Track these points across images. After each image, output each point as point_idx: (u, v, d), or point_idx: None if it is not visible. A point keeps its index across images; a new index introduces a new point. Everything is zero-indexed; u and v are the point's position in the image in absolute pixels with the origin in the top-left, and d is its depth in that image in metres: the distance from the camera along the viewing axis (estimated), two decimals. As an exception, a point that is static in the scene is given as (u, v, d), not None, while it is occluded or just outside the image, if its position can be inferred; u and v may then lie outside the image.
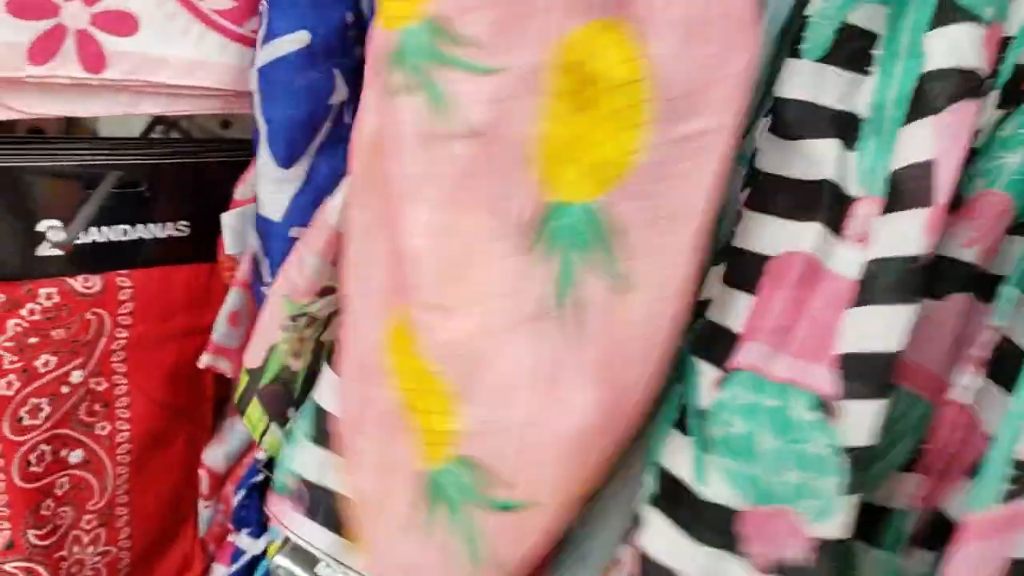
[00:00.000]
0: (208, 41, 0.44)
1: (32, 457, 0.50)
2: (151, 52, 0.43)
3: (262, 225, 0.45)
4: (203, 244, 0.55)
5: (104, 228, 0.51)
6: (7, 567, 0.51)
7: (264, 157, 0.43)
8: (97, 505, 0.55)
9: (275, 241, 0.44)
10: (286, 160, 0.43)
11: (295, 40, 0.42)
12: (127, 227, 0.52)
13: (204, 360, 0.52)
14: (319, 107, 0.43)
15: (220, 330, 0.51)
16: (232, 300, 0.51)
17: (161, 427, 0.56)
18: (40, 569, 0.52)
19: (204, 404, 0.58)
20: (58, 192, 0.49)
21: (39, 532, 0.52)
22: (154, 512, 0.58)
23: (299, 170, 0.43)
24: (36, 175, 0.48)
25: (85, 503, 0.54)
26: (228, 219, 0.51)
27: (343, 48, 0.43)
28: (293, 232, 0.43)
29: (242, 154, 0.53)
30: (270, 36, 0.42)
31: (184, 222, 0.54)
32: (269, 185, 0.43)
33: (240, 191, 0.52)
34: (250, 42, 0.46)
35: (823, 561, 0.30)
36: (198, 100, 0.46)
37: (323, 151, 0.44)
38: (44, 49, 0.39)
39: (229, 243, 0.53)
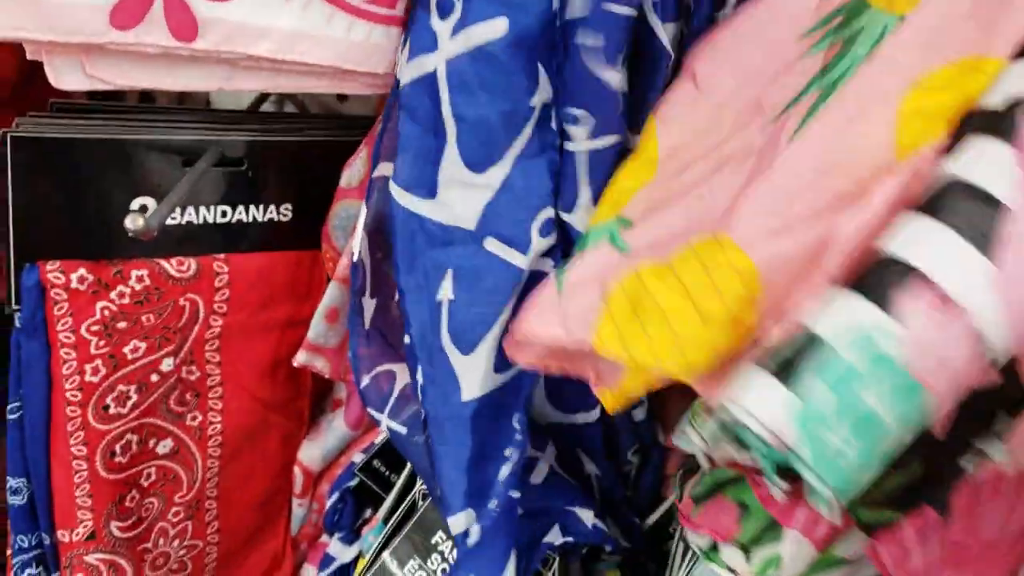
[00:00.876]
0: (313, 11, 0.39)
1: (118, 447, 0.48)
2: (249, 21, 0.38)
3: (439, 231, 0.38)
4: (307, 230, 0.50)
5: (202, 208, 0.47)
6: (88, 559, 0.48)
7: (451, 158, 0.37)
8: (185, 498, 0.52)
9: (462, 247, 0.37)
10: (478, 164, 0.37)
11: (491, 28, 0.35)
12: (226, 208, 0.48)
13: (299, 358, 0.47)
14: (518, 107, 0.36)
15: (316, 328, 0.47)
16: (331, 295, 0.47)
17: (255, 421, 0.53)
18: (122, 562, 0.50)
19: (301, 399, 0.55)
20: (154, 167, 0.45)
21: (122, 524, 0.49)
22: (245, 507, 0.55)
23: (493, 176, 0.37)
24: (132, 148, 0.45)
25: (172, 495, 0.52)
26: (339, 210, 0.47)
27: (548, 41, 0.36)
28: (488, 244, 0.36)
29: (355, 133, 0.48)
30: (463, 23, 0.36)
31: (287, 205, 0.50)
32: (457, 189, 0.37)
33: (346, 178, 0.47)
34: (366, 15, 0.41)
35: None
36: (302, 78, 0.41)
37: (523, 158, 0.37)
38: (129, 13, 0.35)
39: (336, 235, 0.48)
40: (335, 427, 0.56)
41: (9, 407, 0.46)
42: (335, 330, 0.47)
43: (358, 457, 0.55)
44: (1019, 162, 0.25)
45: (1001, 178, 0.25)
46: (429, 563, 0.46)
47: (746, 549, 0.35)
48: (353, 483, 0.54)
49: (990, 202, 0.25)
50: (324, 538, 0.57)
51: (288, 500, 0.57)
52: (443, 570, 0.46)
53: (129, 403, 0.47)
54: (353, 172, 0.46)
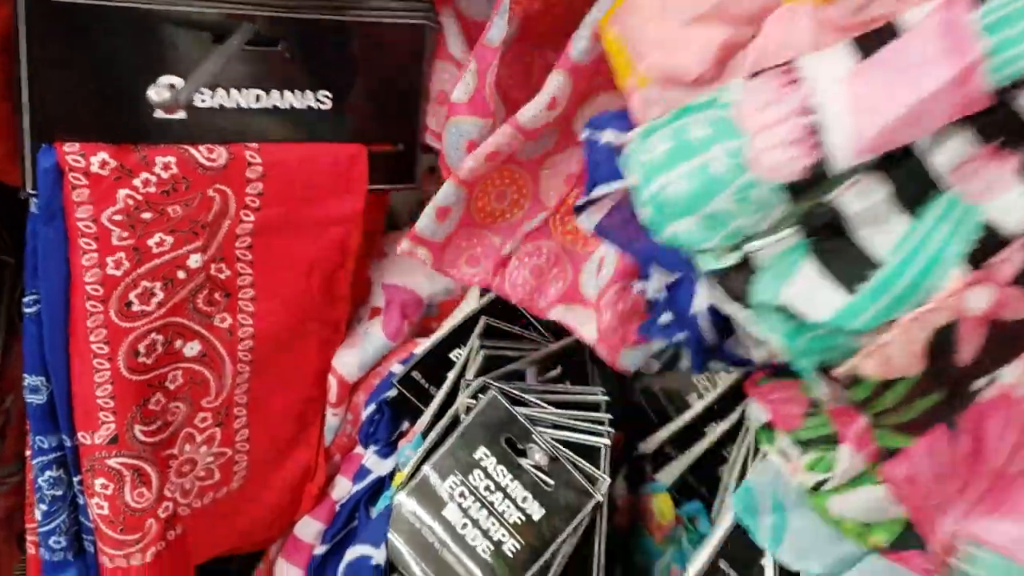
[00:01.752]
0: None
1: (142, 347, 0.44)
2: None
3: None
4: (347, 120, 0.46)
5: (233, 91, 0.43)
6: (111, 463, 0.46)
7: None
8: (213, 404, 0.49)
9: None
10: None
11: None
12: (260, 92, 0.44)
13: (403, 246, 0.43)
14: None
15: (425, 222, 0.43)
16: (445, 194, 0.42)
17: (289, 325, 0.49)
18: (146, 467, 0.47)
19: (338, 304, 0.51)
20: (181, 43, 0.41)
21: (147, 428, 0.46)
22: (276, 416, 0.52)
23: None
24: (158, 19, 0.40)
25: (200, 400, 0.49)
26: (450, 128, 0.42)
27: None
28: None
29: (410, 14, 0.43)
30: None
31: (326, 92, 0.45)
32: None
33: (457, 92, 0.42)
34: None
35: None
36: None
37: None
38: None
39: (451, 156, 0.43)
40: (372, 336, 0.53)
41: (25, 299, 0.43)
42: (443, 227, 0.43)
43: (397, 368, 0.52)
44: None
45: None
46: (471, 479, 0.43)
47: (802, 444, 0.33)
48: (391, 395, 0.51)
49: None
50: (359, 449, 0.54)
51: (322, 410, 0.54)
52: (486, 487, 0.43)
53: (154, 301, 0.44)
54: (463, 86, 0.41)
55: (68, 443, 0.46)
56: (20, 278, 0.54)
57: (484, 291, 0.51)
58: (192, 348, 0.47)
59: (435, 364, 0.50)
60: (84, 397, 0.44)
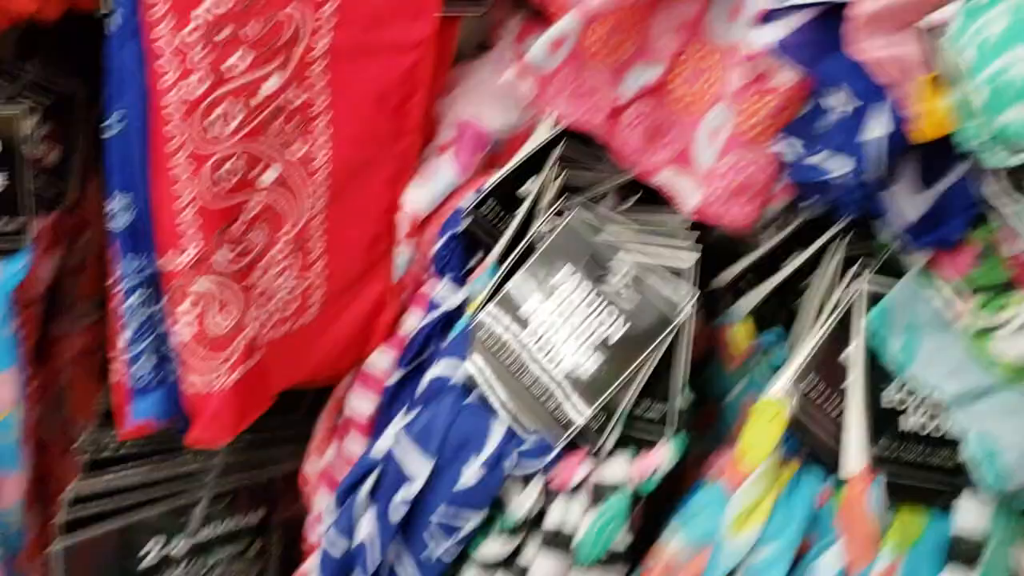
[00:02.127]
0: None
1: (222, 170, 0.45)
2: None
3: None
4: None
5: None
6: (194, 286, 0.47)
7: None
8: (289, 233, 0.50)
9: None
10: None
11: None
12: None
13: (507, 76, 0.44)
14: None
15: (538, 51, 0.44)
16: (563, 25, 0.42)
17: (362, 156, 0.50)
18: (228, 292, 0.48)
19: (410, 136, 0.51)
20: None
21: (228, 254, 0.47)
22: (350, 248, 0.53)
23: None
24: None
25: (277, 230, 0.49)
26: None
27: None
28: None
29: None
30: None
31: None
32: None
33: None
34: None
35: None
36: None
37: None
38: None
39: None
40: (442, 171, 0.53)
41: (107, 122, 0.43)
42: (552, 59, 0.43)
43: (467, 201, 0.52)
44: None
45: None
46: (552, 299, 0.44)
47: (973, 288, 0.33)
48: (461, 228, 0.51)
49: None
50: (427, 286, 0.55)
51: (392, 244, 0.54)
52: (567, 307, 0.43)
53: (232, 124, 0.44)
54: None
55: (153, 266, 0.47)
56: (93, 110, 0.55)
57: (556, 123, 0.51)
58: (269, 176, 0.47)
59: (507, 195, 0.50)
60: (167, 220, 0.45)
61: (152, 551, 0.58)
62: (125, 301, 0.48)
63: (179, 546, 0.60)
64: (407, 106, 0.49)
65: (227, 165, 0.45)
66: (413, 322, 0.54)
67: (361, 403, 0.55)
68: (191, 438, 0.52)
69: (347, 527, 0.48)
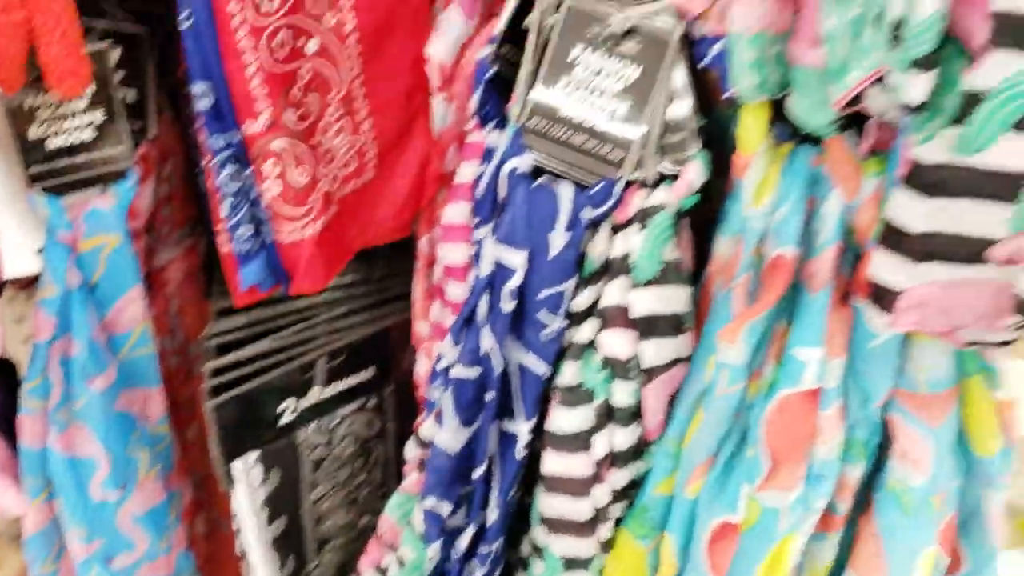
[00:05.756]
0: None
1: (276, 40, 0.55)
2: None
3: None
4: None
5: None
6: (273, 146, 0.57)
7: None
8: (337, 96, 0.60)
9: None
10: None
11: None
12: None
13: None
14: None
15: None
16: None
17: (382, 17, 0.60)
18: (301, 148, 0.58)
19: (420, -4, 0.60)
20: None
21: (294, 114, 0.57)
22: (390, 104, 0.63)
23: None
24: None
25: (327, 93, 0.59)
26: None
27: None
28: None
29: None
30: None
31: None
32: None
33: None
34: None
35: None
36: None
37: None
38: None
39: None
40: (453, 20, 0.62)
41: (179, 17, 0.54)
42: None
43: (486, 50, 0.61)
44: None
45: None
46: (575, 74, 0.52)
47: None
48: (490, 73, 0.59)
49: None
50: (473, 137, 0.62)
51: (426, 98, 0.64)
52: (590, 75, 0.52)
53: (276, 1, 0.54)
54: None
55: (237, 138, 0.57)
56: (163, 51, 0.65)
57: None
58: (313, 45, 0.58)
59: (516, 32, 0.59)
60: (241, 91, 0.55)
61: (287, 409, 0.69)
62: (218, 176, 0.58)
63: (309, 403, 0.70)
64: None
65: (279, 36, 0.55)
66: (470, 171, 0.60)
67: (452, 253, 0.61)
68: (293, 287, 0.62)
69: (473, 349, 0.55)
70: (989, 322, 0.42)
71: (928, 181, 0.39)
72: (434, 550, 0.63)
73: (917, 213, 0.40)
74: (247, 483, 0.69)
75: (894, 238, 0.41)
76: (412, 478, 0.69)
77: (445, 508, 0.62)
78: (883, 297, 0.43)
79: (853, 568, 0.56)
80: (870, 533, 0.55)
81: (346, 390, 0.73)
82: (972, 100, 0.36)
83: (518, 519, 0.63)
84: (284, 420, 0.69)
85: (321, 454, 0.73)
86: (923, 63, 0.36)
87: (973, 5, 0.36)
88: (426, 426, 0.65)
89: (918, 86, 0.37)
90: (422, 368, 0.70)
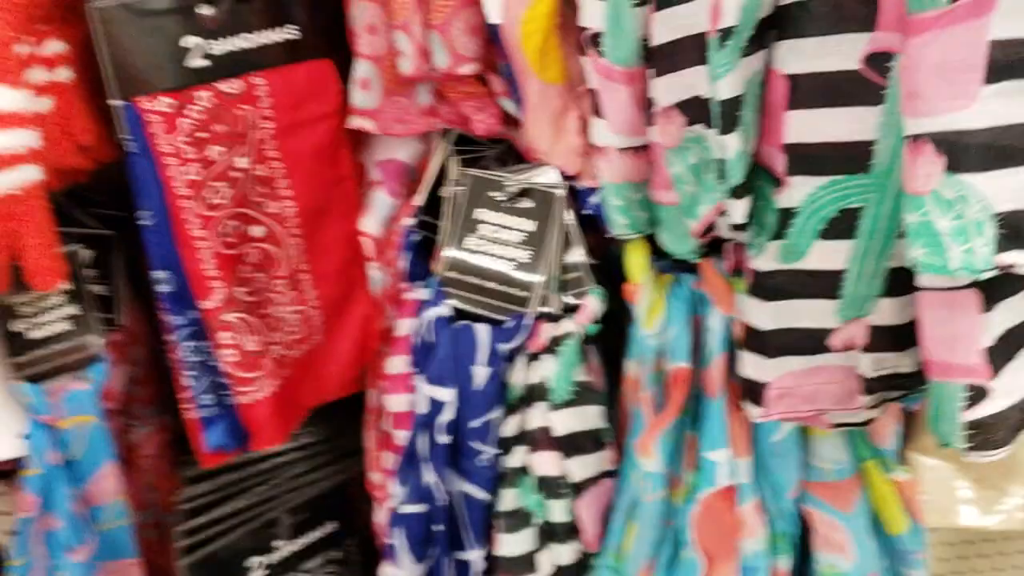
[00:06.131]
0: None
1: (224, 230, 0.64)
2: None
3: None
4: (314, 42, 0.66)
5: (231, 37, 0.63)
6: (228, 318, 0.65)
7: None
8: (283, 272, 0.68)
9: None
10: None
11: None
12: (247, 35, 0.64)
13: (352, 123, 0.63)
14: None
15: (355, 96, 0.62)
16: (361, 69, 0.62)
17: (318, 201, 0.69)
18: (252, 319, 0.66)
19: (348, 180, 0.70)
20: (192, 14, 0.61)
21: (244, 290, 0.65)
22: (332, 275, 0.71)
23: None
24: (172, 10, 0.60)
25: (273, 271, 0.68)
26: None
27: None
28: None
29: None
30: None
31: (292, 26, 0.65)
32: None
33: None
34: None
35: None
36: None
37: None
38: None
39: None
40: (380, 200, 0.72)
41: (141, 217, 0.62)
42: (369, 95, 0.62)
43: (409, 220, 0.70)
44: None
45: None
46: (479, 231, 0.61)
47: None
48: (414, 239, 0.68)
49: None
50: (407, 293, 0.70)
51: (362, 268, 0.72)
52: (492, 230, 0.61)
53: (224, 196, 0.63)
54: None
55: (195, 315, 0.65)
56: (127, 250, 0.74)
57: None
58: (258, 231, 0.66)
59: (433, 203, 0.68)
60: (197, 275, 0.63)
61: (255, 566, 0.73)
62: (181, 350, 0.65)
63: (275, 560, 0.74)
64: (338, 157, 0.69)
65: (228, 224, 0.64)
66: (406, 325, 0.68)
67: (396, 403, 0.67)
68: (254, 445, 0.68)
69: (417, 485, 0.61)
70: (846, 403, 0.48)
71: (767, 286, 0.47)
72: None
73: (764, 314, 0.47)
74: (221, 642, 0.72)
75: (752, 338, 0.49)
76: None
77: (410, 647, 0.66)
78: (754, 391, 0.50)
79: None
80: (818, 625, 0.59)
81: (310, 545, 0.77)
82: (785, 216, 0.45)
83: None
84: (253, 576, 0.73)
85: (291, 609, 0.77)
86: (738, 191, 0.45)
87: (772, 141, 0.45)
88: (385, 570, 0.69)
89: (738, 209, 0.45)
90: (381, 517, 0.75)
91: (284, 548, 0.75)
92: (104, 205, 0.76)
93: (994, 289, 0.39)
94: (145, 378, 0.79)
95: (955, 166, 0.34)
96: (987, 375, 0.40)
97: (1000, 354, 0.40)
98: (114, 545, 0.73)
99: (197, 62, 0.61)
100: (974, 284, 0.39)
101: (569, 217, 0.60)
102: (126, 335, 0.75)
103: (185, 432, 0.71)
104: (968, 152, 0.34)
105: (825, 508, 0.58)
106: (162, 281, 0.64)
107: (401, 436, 0.67)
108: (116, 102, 0.60)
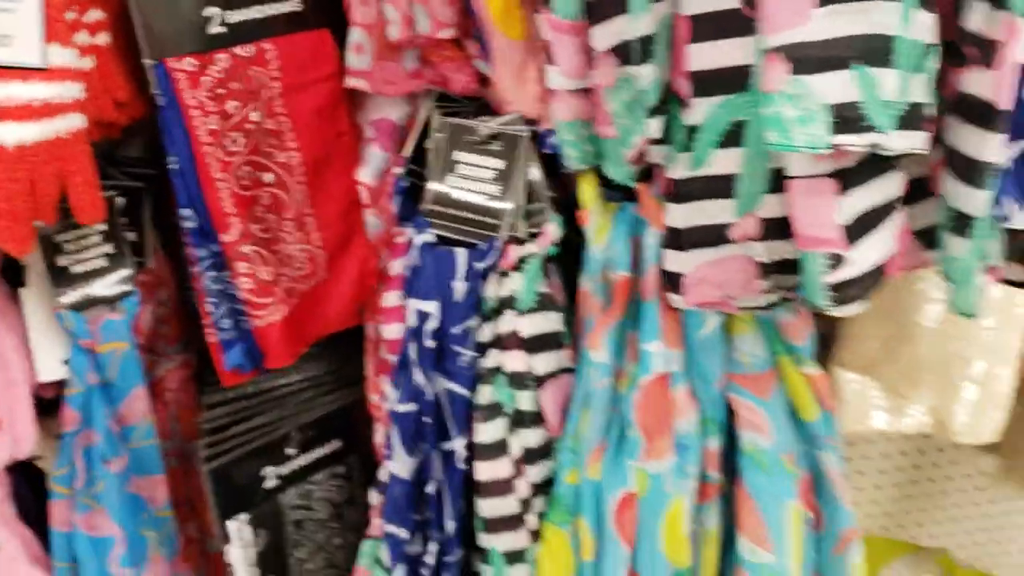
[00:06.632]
0: None
1: (240, 173, 0.75)
2: None
3: None
4: (315, 13, 0.77)
5: (245, 9, 0.74)
6: (244, 249, 0.76)
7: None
8: (291, 215, 0.79)
9: None
10: None
11: None
12: (259, 6, 0.75)
13: (348, 82, 0.74)
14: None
15: (350, 59, 0.74)
16: (355, 36, 0.74)
17: (321, 153, 0.80)
18: (265, 252, 0.77)
19: (346, 135, 0.81)
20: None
21: (258, 227, 0.77)
22: (332, 220, 0.82)
23: None
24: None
25: (282, 213, 0.79)
26: None
27: None
28: None
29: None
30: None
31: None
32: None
33: None
34: None
35: None
36: None
37: None
38: None
39: None
40: (374, 154, 0.83)
41: (168, 162, 0.74)
42: (362, 58, 0.74)
43: (399, 169, 0.81)
44: None
45: None
46: (458, 170, 0.73)
47: None
48: (403, 184, 0.80)
49: None
50: (399, 236, 0.82)
51: (360, 214, 0.84)
52: (468, 168, 0.72)
53: (239, 144, 0.75)
54: None
55: (216, 248, 0.76)
56: (153, 203, 0.85)
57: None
58: (269, 177, 0.78)
59: (419, 155, 0.80)
60: (217, 211, 0.74)
61: (269, 475, 0.84)
62: (204, 279, 0.77)
63: (287, 471, 0.85)
64: (337, 114, 0.80)
65: (244, 169, 0.75)
66: (399, 264, 0.80)
67: (392, 330, 0.76)
68: (268, 363, 0.79)
69: (409, 387, 0.72)
70: (749, 288, 0.59)
71: (679, 192, 0.58)
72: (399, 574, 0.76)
73: (678, 215, 0.59)
74: (240, 541, 0.83)
75: (670, 236, 0.60)
76: (376, 523, 0.83)
77: (403, 533, 0.77)
78: (674, 282, 0.61)
79: (740, 531, 0.70)
80: (744, 496, 0.70)
81: (317, 459, 0.88)
82: (691, 132, 0.56)
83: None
84: (268, 484, 0.84)
85: (301, 516, 0.88)
86: (654, 111, 0.56)
87: (679, 71, 0.56)
88: (382, 469, 0.80)
89: (653, 126, 0.57)
90: (379, 438, 0.86)
91: (294, 461, 0.86)
92: (132, 164, 0.88)
93: (846, 177, 0.50)
94: (169, 317, 0.91)
95: (796, 69, 0.45)
96: (844, 246, 0.51)
97: (855, 231, 0.51)
98: (143, 461, 0.84)
99: (216, 29, 0.73)
100: (831, 174, 0.50)
101: (534, 158, 0.72)
102: (153, 277, 0.87)
103: (204, 369, 0.82)
104: (806, 58, 0.45)
105: (746, 395, 0.69)
106: (187, 218, 0.75)
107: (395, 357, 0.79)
108: (148, 61, 0.71)
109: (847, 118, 0.45)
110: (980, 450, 1.17)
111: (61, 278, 0.78)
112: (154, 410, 0.86)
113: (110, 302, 0.80)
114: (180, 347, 0.92)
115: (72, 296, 0.78)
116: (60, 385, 0.80)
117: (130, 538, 0.82)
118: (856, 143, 0.46)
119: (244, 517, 0.82)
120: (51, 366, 0.79)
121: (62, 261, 0.78)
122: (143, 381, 0.83)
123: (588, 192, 0.69)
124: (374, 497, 0.83)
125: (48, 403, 0.81)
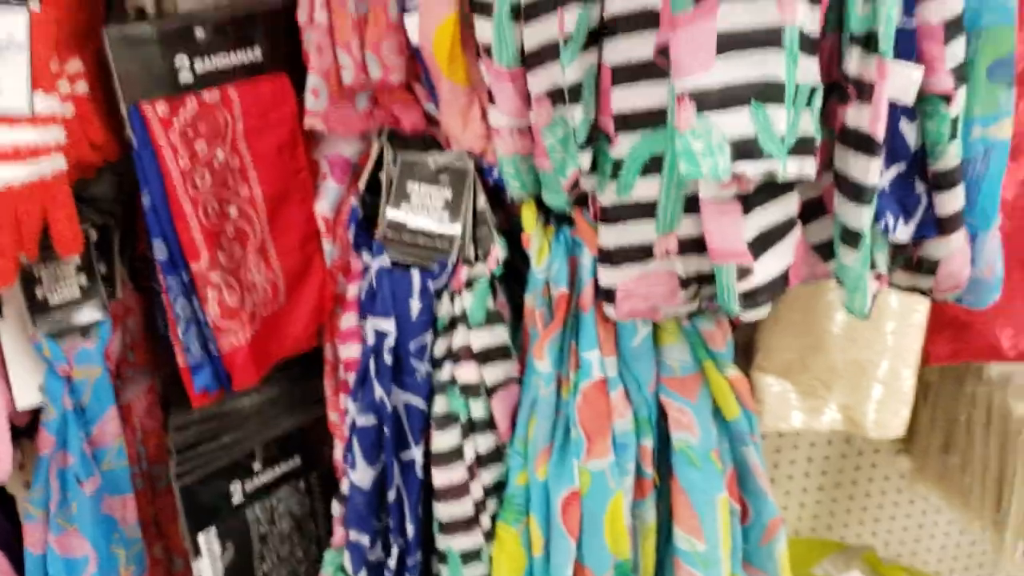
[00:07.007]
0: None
1: (208, 208, 0.81)
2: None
3: None
4: (276, 62, 0.84)
5: (211, 58, 0.81)
6: (212, 277, 0.82)
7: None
8: (254, 244, 0.86)
9: None
10: None
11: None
12: (225, 55, 0.82)
13: (307, 123, 0.81)
14: None
15: (308, 101, 0.81)
16: (310, 82, 0.81)
17: (281, 188, 0.86)
18: (232, 280, 0.83)
19: (303, 171, 0.88)
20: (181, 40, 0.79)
21: (224, 256, 0.83)
22: (293, 249, 0.88)
23: None
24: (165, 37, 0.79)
25: (246, 244, 0.85)
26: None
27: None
28: None
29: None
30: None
31: (257, 49, 0.84)
32: None
33: None
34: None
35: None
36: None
37: None
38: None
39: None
40: (330, 187, 0.90)
41: (142, 196, 0.80)
42: (319, 101, 0.81)
43: (354, 202, 0.88)
44: None
45: None
46: (412, 199, 0.80)
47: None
48: (359, 215, 0.87)
49: None
50: (353, 263, 0.88)
51: (318, 243, 0.90)
52: (420, 199, 0.80)
53: (207, 181, 0.81)
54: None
55: (186, 277, 0.82)
56: (127, 238, 0.91)
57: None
58: (233, 210, 0.84)
59: (373, 187, 0.87)
60: (188, 242, 0.81)
61: (235, 491, 0.89)
62: (175, 307, 0.82)
63: (252, 486, 0.90)
64: (296, 152, 0.87)
65: (211, 204, 0.82)
66: (354, 289, 0.87)
67: (350, 351, 0.84)
68: (235, 384, 0.85)
69: (369, 400, 0.79)
70: (671, 299, 0.68)
71: (609, 216, 0.66)
72: (361, 581, 0.82)
73: (609, 236, 0.67)
74: (209, 554, 0.88)
75: (602, 255, 0.68)
76: (339, 533, 0.89)
77: (365, 539, 0.83)
78: (608, 295, 0.69)
79: (676, 523, 0.78)
80: (677, 491, 0.77)
81: (280, 475, 0.94)
82: (616, 164, 0.64)
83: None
84: (235, 500, 0.89)
85: (265, 530, 0.93)
86: (585, 146, 0.65)
87: (605, 112, 0.65)
88: (343, 481, 0.86)
89: (585, 159, 0.65)
90: (339, 454, 0.92)
91: (258, 477, 0.92)
92: (98, 201, 0.93)
93: (749, 200, 0.59)
94: (135, 345, 0.96)
95: (701, 108, 0.54)
96: (750, 259, 0.59)
97: (759, 245, 0.60)
98: (115, 482, 0.89)
99: (186, 77, 0.79)
100: (736, 197, 0.59)
101: (479, 188, 0.80)
102: (121, 307, 0.92)
103: (170, 393, 0.88)
104: (709, 99, 0.54)
105: (676, 398, 0.77)
106: (159, 248, 0.81)
107: (353, 375, 0.85)
108: (125, 106, 0.77)
109: (746, 150, 0.54)
110: (896, 453, 1.28)
111: (38, 309, 0.82)
112: (123, 433, 0.91)
113: (84, 331, 0.85)
114: (146, 373, 0.97)
115: (49, 325, 0.83)
116: (32, 413, 0.85)
117: (102, 557, 0.86)
118: (754, 171, 0.54)
119: (213, 530, 0.87)
120: (28, 394, 0.83)
121: (40, 292, 0.83)
122: (114, 403, 0.88)
123: (529, 218, 0.76)
124: (336, 508, 0.88)
125: (17, 430, 0.86)
